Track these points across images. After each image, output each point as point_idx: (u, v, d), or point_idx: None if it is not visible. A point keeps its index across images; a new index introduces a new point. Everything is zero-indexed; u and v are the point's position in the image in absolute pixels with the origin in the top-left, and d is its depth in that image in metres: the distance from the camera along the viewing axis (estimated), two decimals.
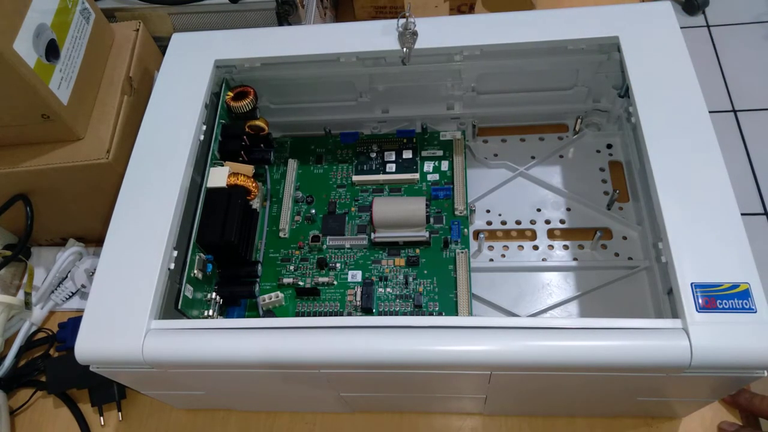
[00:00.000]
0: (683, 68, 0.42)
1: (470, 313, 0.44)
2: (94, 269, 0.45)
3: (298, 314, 0.47)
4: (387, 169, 0.52)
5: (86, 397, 0.51)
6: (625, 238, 0.48)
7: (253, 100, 0.49)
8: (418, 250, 0.48)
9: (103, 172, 0.49)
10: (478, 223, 0.51)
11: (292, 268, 0.49)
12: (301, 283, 0.48)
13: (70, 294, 0.56)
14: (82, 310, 0.37)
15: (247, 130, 0.49)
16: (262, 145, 0.50)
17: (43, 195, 0.52)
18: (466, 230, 0.48)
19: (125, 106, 0.51)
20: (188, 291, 0.40)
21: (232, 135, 0.48)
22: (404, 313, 0.46)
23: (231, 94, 0.49)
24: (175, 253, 0.39)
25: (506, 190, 0.52)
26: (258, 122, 0.49)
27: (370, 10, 0.69)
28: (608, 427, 0.46)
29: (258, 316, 0.46)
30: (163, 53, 0.48)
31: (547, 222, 0.50)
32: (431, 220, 0.49)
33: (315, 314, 0.46)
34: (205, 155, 0.45)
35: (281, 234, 0.50)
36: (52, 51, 0.46)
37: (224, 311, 0.46)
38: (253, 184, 0.47)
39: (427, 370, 0.36)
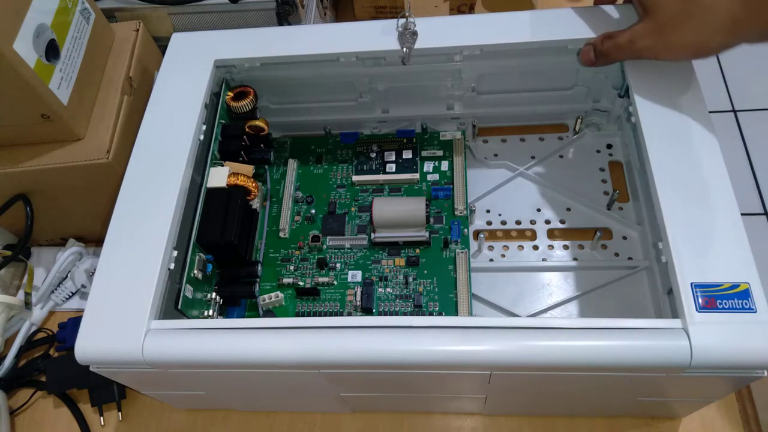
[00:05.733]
0: (683, 68, 0.42)
1: (470, 313, 0.44)
2: (94, 269, 0.45)
3: (298, 314, 0.47)
4: (387, 169, 0.52)
5: (86, 397, 0.51)
6: (625, 238, 0.48)
7: (253, 100, 0.49)
8: (418, 250, 0.48)
9: (103, 172, 0.49)
10: (478, 223, 0.51)
11: (292, 268, 0.49)
12: (301, 283, 0.48)
13: (70, 294, 0.56)
14: (82, 310, 0.37)
15: (247, 130, 0.49)
16: (262, 145, 0.50)
17: (43, 195, 0.52)
18: (466, 230, 0.48)
19: (125, 106, 0.51)
20: (188, 291, 0.40)
21: (232, 135, 0.48)
22: (404, 313, 0.46)
23: (231, 94, 0.49)
24: (175, 253, 0.39)
25: (506, 190, 0.52)
26: (258, 122, 0.49)
27: (370, 10, 0.69)
28: (608, 427, 0.46)
29: (258, 316, 0.46)
30: (163, 53, 0.48)
31: (547, 222, 0.50)
32: (431, 220, 0.49)
33: (315, 314, 0.46)
34: (205, 155, 0.45)
35: (281, 234, 0.50)
36: (52, 51, 0.46)
37: (224, 311, 0.46)
38: (253, 184, 0.47)
39: (427, 370, 0.36)
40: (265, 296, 0.46)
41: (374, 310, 0.46)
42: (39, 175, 0.49)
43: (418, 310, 0.45)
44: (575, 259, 0.48)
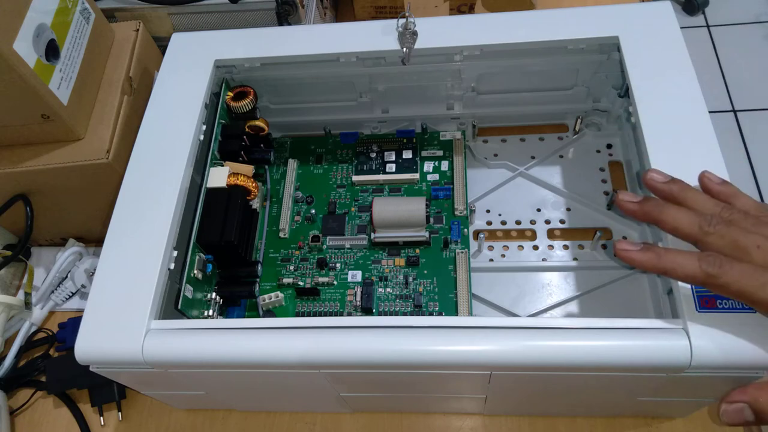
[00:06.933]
0: (683, 68, 0.42)
1: (470, 313, 0.44)
2: (94, 269, 0.45)
3: (298, 314, 0.47)
4: (387, 169, 0.52)
5: (86, 397, 0.51)
6: (625, 238, 0.48)
7: (253, 100, 0.49)
8: (418, 250, 0.48)
9: (103, 172, 0.49)
10: (478, 223, 0.51)
11: (292, 268, 0.49)
12: (301, 283, 0.48)
13: (70, 294, 0.56)
14: (82, 310, 0.37)
15: (247, 130, 0.49)
16: (262, 145, 0.50)
17: (43, 195, 0.52)
18: (466, 230, 0.48)
19: (125, 106, 0.51)
20: (188, 291, 0.40)
21: (232, 135, 0.48)
22: (404, 313, 0.46)
23: (231, 94, 0.49)
24: (175, 253, 0.39)
25: (506, 190, 0.52)
26: (258, 122, 0.49)
27: (370, 10, 0.69)
28: (608, 427, 0.46)
29: (258, 316, 0.46)
30: (163, 53, 0.48)
31: (547, 222, 0.50)
32: (431, 220, 0.49)
33: (315, 314, 0.46)
34: (205, 155, 0.45)
35: (281, 234, 0.50)
36: (52, 51, 0.46)
37: (224, 311, 0.46)
38: (253, 184, 0.47)
39: (427, 370, 0.36)
40: (265, 296, 0.46)
41: (374, 310, 0.46)
42: (39, 175, 0.49)
43: (418, 310, 0.45)
44: (575, 259, 0.48)
